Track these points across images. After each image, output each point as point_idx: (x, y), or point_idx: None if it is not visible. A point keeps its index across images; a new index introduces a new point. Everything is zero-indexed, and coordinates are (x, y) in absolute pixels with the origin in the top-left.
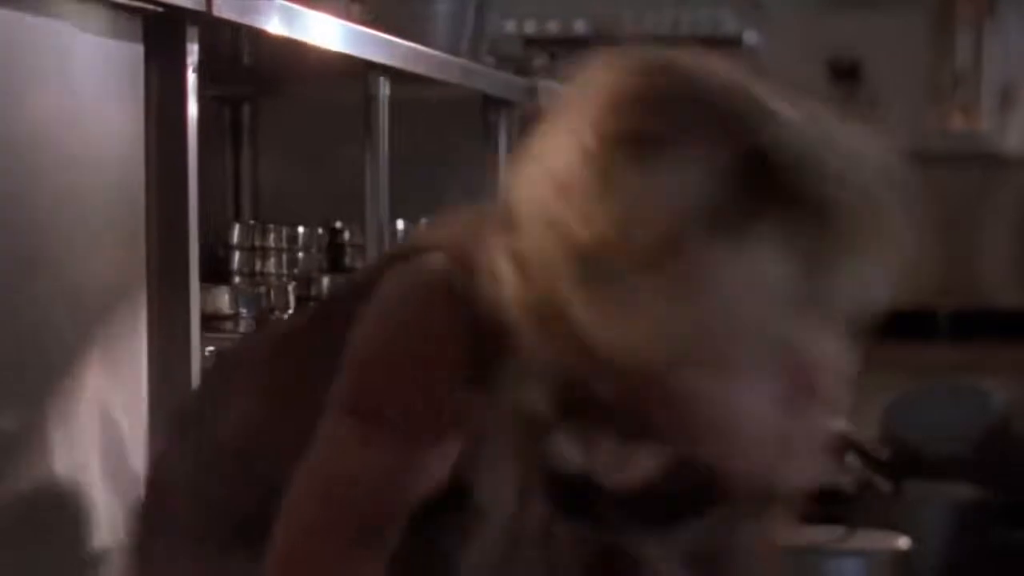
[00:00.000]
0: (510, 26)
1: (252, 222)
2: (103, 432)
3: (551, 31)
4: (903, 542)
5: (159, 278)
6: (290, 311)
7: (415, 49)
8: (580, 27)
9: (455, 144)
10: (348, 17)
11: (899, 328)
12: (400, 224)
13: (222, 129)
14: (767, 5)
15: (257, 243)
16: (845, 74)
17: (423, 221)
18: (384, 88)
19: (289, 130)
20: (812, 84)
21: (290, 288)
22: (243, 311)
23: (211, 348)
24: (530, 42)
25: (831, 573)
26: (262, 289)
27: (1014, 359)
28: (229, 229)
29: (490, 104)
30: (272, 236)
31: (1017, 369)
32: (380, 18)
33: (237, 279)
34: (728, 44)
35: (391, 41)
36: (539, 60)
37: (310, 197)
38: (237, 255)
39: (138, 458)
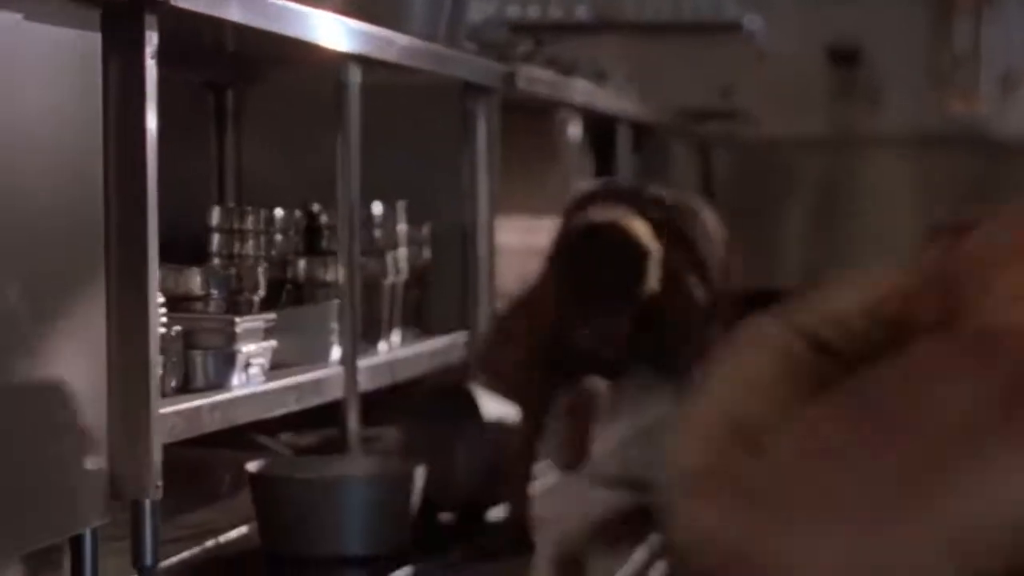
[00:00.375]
0: (512, 11)
1: (231, 205)
2: (62, 413)
3: (553, 16)
4: None
5: (118, 261)
6: (260, 292)
7: (385, 36)
8: (582, 12)
9: (435, 130)
10: (328, 3)
11: None
12: (377, 208)
13: (206, 114)
14: None
15: (236, 225)
16: (845, 60)
17: (400, 204)
18: (355, 75)
19: (273, 115)
20: (812, 69)
21: (261, 270)
22: (214, 292)
23: (178, 328)
24: (518, 28)
25: None
26: (233, 270)
27: None
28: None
29: (469, 90)
30: (250, 219)
31: None
32: (360, 6)
33: (216, 261)
34: (729, 30)
35: (360, 28)
36: (521, 47)
37: (293, 181)
38: (216, 237)
39: (97, 438)
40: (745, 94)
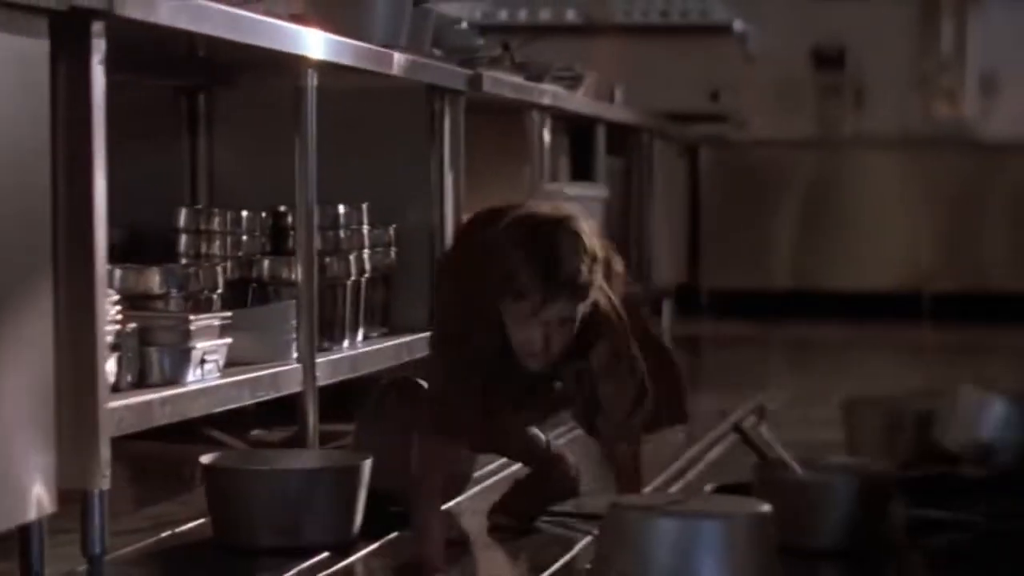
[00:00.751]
0: (502, 14)
1: (198, 206)
2: (9, 407)
3: (543, 19)
4: (763, 506)
5: (67, 260)
6: (219, 291)
7: (342, 42)
8: (572, 16)
9: (403, 132)
10: (289, 9)
11: (884, 310)
12: (342, 209)
13: (179, 118)
14: None
15: (202, 226)
16: (831, 61)
17: (364, 205)
18: (312, 79)
19: (243, 119)
20: (799, 72)
21: (220, 269)
22: (172, 291)
23: (133, 325)
24: (507, 30)
25: (688, 534)
26: (191, 270)
27: (993, 340)
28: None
29: (434, 93)
30: (216, 220)
31: (996, 349)
32: (321, 11)
33: (183, 260)
34: (717, 32)
35: (318, 35)
36: (487, 50)
37: (263, 183)
38: (184, 238)
39: (45, 430)
40: (733, 96)
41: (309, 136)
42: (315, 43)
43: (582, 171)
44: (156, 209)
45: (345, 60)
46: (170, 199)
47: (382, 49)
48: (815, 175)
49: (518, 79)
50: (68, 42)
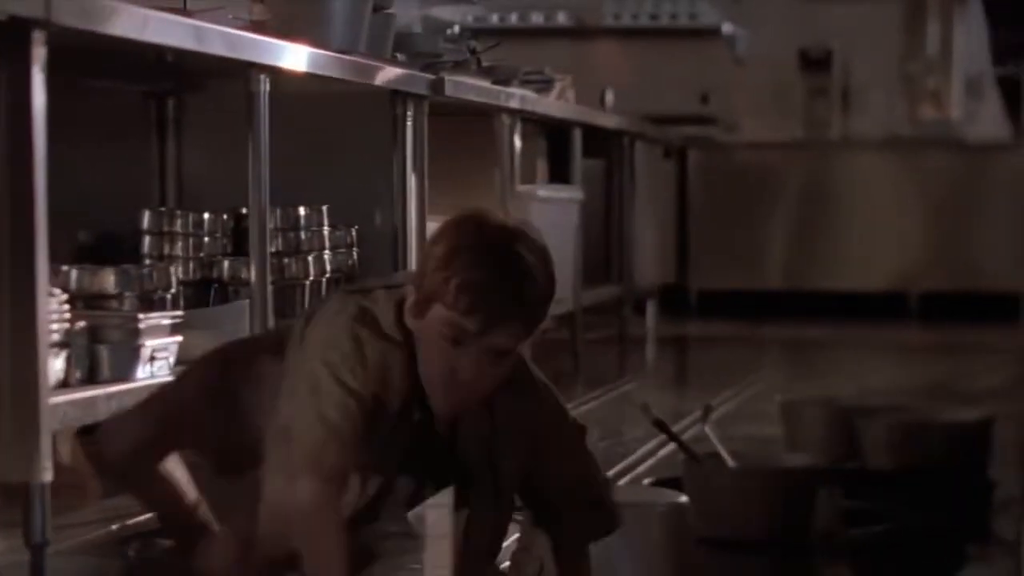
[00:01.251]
0: (494, 17)
1: (162, 208)
2: None
3: (535, 22)
4: (680, 497)
5: (10, 262)
6: (172, 291)
7: (293, 48)
8: (563, 19)
9: (367, 135)
10: (251, 16)
11: (872, 310)
12: (302, 210)
13: (148, 123)
14: None
15: (165, 228)
16: (818, 64)
17: (324, 207)
18: (264, 85)
19: (211, 123)
20: (787, 75)
21: (172, 270)
22: (126, 291)
23: (82, 323)
24: (501, 33)
25: None
26: (145, 271)
27: (980, 339)
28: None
29: (397, 97)
30: (179, 222)
31: (981, 348)
32: (281, 17)
33: (147, 261)
34: (706, 35)
35: (265, 41)
36: (451, 55)
37: (229, 185)
38: (147, 239)
39: None
40: (722, 99)
41: (262, 140)
42: (264, 49)
43: (562, 174)
44: (126, 211)
45: (297, 66)
46: (140, 202)
47: (335, 55)
48: (803, 176)
49: (483, 83)
50: (8, 50)
